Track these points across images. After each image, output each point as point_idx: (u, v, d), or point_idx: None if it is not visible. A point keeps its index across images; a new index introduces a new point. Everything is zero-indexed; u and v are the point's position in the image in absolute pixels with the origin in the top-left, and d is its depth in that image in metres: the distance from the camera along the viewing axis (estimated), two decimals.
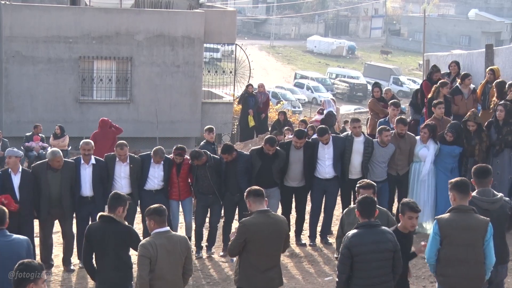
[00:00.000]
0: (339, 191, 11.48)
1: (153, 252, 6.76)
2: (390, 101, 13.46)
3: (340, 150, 11.01)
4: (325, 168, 10.98)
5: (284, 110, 22.69)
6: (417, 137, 11.41)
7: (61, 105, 21.86)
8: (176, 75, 22.62)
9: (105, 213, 7.36)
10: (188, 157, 10.77)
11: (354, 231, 6.64)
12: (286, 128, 15.44)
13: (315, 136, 11.67)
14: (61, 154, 10.33)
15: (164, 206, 7.11)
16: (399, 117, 11.69)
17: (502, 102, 11.47)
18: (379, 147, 11.12)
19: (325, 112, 16.33)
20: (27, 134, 17.99)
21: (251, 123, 19.30)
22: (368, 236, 6.55)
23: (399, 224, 7.00)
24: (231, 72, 25.05)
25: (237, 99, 21.90)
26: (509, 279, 9.50)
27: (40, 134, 17.85)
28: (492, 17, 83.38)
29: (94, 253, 7.36)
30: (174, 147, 10.83)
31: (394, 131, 11.38)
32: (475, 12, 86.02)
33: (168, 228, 6.95)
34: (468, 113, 11.43)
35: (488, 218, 6.97)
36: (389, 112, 13.04)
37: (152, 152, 10.71)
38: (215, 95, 25.22)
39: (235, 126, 23.52)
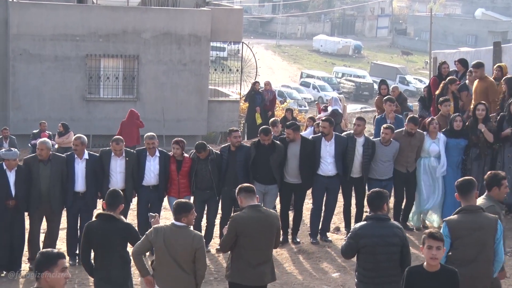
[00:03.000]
0: (340, 188, 11.44)
1: (153, 237, 6.93)
2: (385, 97, 13.46)
3: (342, 149, 10.99)
4: (328, 165, 10.96)
5: (291, 108, 22.66)
6: (424, 133, 11.42)
7: (68, 103, 21.91)
8: (183, 73, 22.65)
9: (104, 211, 7.36)
10: (188, 156, 10.79)
11: (362, 223, 6.70)
12: None
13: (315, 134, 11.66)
14: (47, 143, 10.29)
15: (187, 202, 7.14)
16: (411, 115, 11.72)
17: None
18: (382, 146, 11.13)
19: (329, 109, 16.28)
20: (34, 131, 18.02)
21: (258, 120, 19.29)
22: (375, 229, 6.58)
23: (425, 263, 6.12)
24: (237, 70, 25.05)
25: (244, 97, 21.89)
26: None
27: (47, 131, 17.88)
28: (499, 17, 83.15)
29: (92, 251, 7.38)
30: (173, 140, 10.86)
31: (403, 128, 11.38)
32: (482, 12, 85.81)
33: (183, 224, 6.90)
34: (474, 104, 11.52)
35: (496, 216, 6.94)
36: (386, 108, 12.98)
37: (144, 139, 10.76)
38: (221, 93, 25.23)
39: (241, 124, 23.52)
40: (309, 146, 10.96)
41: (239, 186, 7.39)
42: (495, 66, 13.70)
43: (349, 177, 11.11)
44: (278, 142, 10.90)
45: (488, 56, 15.17)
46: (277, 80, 51.64)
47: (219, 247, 10.71)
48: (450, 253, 6.78)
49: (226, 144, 11.15)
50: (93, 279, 7.59)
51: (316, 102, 34.53)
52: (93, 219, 7.58)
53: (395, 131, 11.25)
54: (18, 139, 17.66)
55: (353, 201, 11.53)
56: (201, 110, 23.05)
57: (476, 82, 12.64)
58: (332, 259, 10.61)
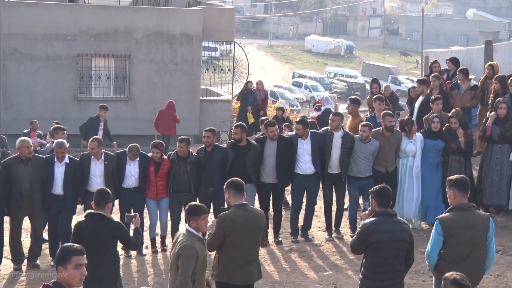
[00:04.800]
0: (320, 187, 11.43)
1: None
2: (374, 96, 13.45)
3: (319, 145, 10.97)
4: (305, 164, 10.96)
5: (283, 107, 22.60)
6: (403, 133, 11.33)
7: (59, 103, 21.81)
8: (175, 73, 22.58)
9: (94, 211, 7.29)
10: (167, 157, 10.83)
11: (372, 219, 6.70)
12: (285, 124, 15.37)
13: (292, 132, 11.67)
14: (29, 141, 10.27)
15: (199, 206, 6.88)
16: (385, 110, 11.66)
17: (502, 99, 11.46)
18: (360, 142, 11.07)
19: (322, 108, 16.26)
20: (25, 131, 17.92)
21: (250, 120, 19.25)
22: (386, 225, 6.62)
23: None
24: (229, 70, 25.01)
25: (236, 97, 21.86)
26: (509, 274, 9.52)
27: (37, 131, 17.81)
28: (490, 17, 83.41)
29: None
30: (152, 142, 10.86)
31: (381, 127, 11.32)
32: (473, 12, 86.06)
33: (191, 229, 6.70)
34: (452, 111, 11.50)
35: (488, 214, 6.91)
36: (375, 107, 12.96)
37: (127, 149, 10.74)
38: (213, 93, 25.19)
39: (234, 124, 23.48)
40: (286, 144, 10.97)
41: (230, 180, 7.34)
42: (486, 65, 13.77)
43: (326, 173, 11.08)
44: (253, 141, 10.95)
45: (479, 55, 15.24)
46: (269, 80, 51.61)
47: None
48: (442, 251, 6.79)
49: (202, 146, 11.13)
50: None
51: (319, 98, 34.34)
52: (83, 218, 7.50)
53: (373, 130, 11.18)
54: (9, 139, 17.57)
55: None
56: (193, 109, 22.99)
57: (350, 118, 12.74)
58: (323, 257, 10.60)
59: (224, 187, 7.36)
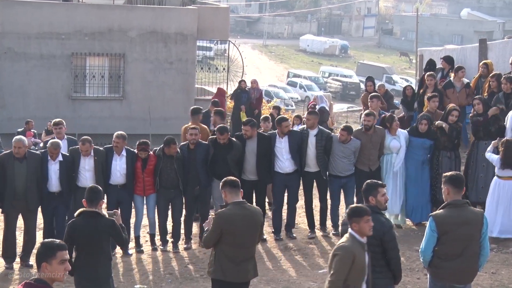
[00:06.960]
0: (301, 184, 11.43)
1: None
2: (371, 94, 13.44)
3: (297, 144, 10.99)
4: (284, 162, 10.98)
5: (278, 106, 22.61)
6: (386, 130, 11.26)
7: (54, 102, 21.76)
8: (169, 72, 22.55)
9: (88, 209, 7.24)
10: (153, 153, 10.81)
11: None
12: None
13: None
14: (24, 141, 10.19)
15: (363, 208, 6.40)
16: (366, 111, 11.67)
17: (478, 96, 11.52)
18: (339, 142, 11.03)
19: (317, 107, 16.24)
20: (19, 130, 17.89)
21: (243, 119, 19.20)
22: None
23: None
24: (224, 69, 24.99)
25: (230, 96, 21.85)
26: (503, 271, 9.52)
27: (32, 130, 17.77)
28: (485, 17, 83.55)
29: (75, 249, 7.26)
30: (138, 142, 10.82)
31: (362, 126, 11.31)
32: (468, 12, 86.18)
33: (354, 234, 6.23)
34: (451, 105, 11.57)
35: (482, 210, 6.90)
36: (370, 106, 12.95)
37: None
38: (208, 92, 25.16)
39: (228, 123, 23.46)
40: (266, 142, 10.98)
41: (224, 179, 7.28)
42: (481, 63, 13.79)
43: (303, 171, 11.07)
44: (234, 139, 10.97)
45: (474, 53, 15.26)
46: (264, 79, 51.62)
47: (185, 245, 10.94)
48: (436, 248, 6.79)
49: (185, 142, 11.10)
50: (73, 277, 7.40)
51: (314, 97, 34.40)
52: (75, 217, 7.45)
53: (354, 130, 11.16)
54: (3, 138, 17.50)
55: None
56: (188, 108, 22.81)
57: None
58: (318, 255, 10.60)
59: (220, 187, 7.33)
